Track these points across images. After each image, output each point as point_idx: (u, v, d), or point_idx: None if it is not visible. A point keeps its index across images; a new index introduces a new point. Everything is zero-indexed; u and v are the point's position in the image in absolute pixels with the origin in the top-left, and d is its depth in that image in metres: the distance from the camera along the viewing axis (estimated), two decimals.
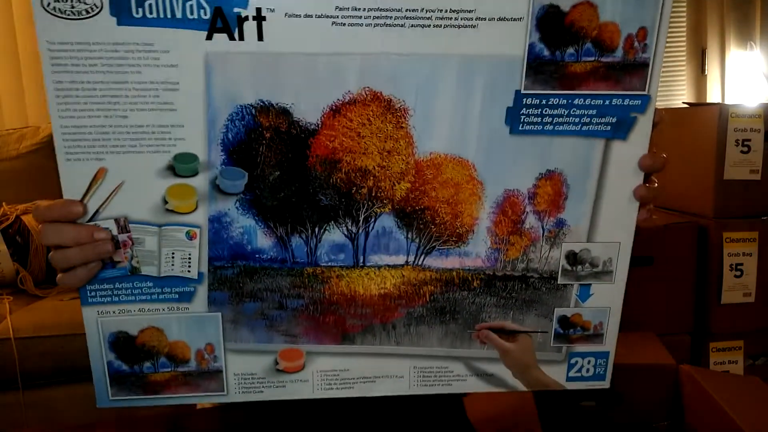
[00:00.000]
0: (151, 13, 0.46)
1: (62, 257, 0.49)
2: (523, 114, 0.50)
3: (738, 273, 1.43)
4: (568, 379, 0.59)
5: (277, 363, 0.56)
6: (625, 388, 1.26)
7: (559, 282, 0.56)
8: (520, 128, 0.50)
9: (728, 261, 1.42)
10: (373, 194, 0.52)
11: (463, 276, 0.55)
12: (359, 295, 0.55)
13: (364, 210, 0.53)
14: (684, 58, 2.56)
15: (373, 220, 0.53)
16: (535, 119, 0.50)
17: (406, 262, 0.54)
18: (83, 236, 0.49)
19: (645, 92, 0.50)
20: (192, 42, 0.47)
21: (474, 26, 0.47)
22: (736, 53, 2.46)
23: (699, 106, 1.76)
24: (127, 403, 0.56)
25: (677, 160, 1.49)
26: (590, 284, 0.56)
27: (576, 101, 0.50)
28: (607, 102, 0.50)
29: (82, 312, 0.53)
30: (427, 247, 0.54)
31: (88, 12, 0.45)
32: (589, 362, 0.59)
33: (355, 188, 0.52)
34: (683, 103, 2.45)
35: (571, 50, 0.48)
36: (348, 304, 0.55)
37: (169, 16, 0.46)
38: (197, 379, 0.56)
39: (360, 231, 0.53)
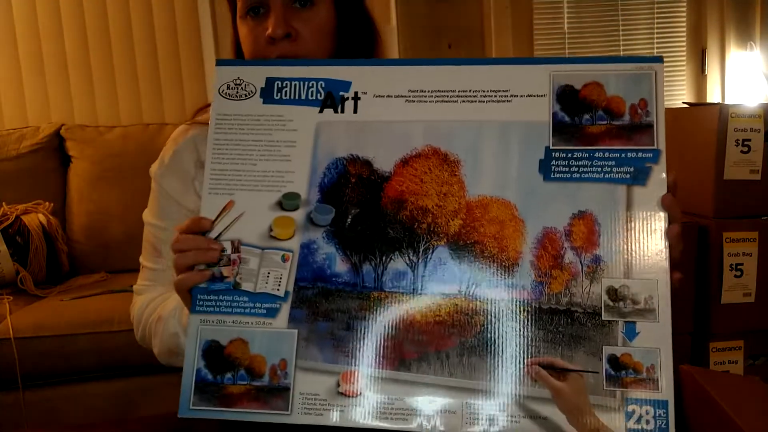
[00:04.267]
0: (285, 96, 0.68)
1: (181, 258, 0.64)
2: (553, 165, 0.62)
3: (738, 273, 1.45)
4: (628, 430, 0.57)
5: (338, 385, 0.61)
6: None
7: (603, 318, 0.59)
8: (551, 176, 0.62)
9: (728, 261, 1.43)
10: (432, 229, 0.64)
11: (511, 307, 0.61)
12: (416, 321, 0.62)
13: (423, 242, 0.63)
14: (684, 58, 2.53)
15: (431, 251, 0.63)
16: (564, 169, 0.62)
17: (459, 291, 0.62)
18: (201, 243, 0.64)
19: (654, 147, 0.61)
20: (309, 114, 0.67)
21: (509, 101, 0.64)
22: (736, 53, 2.46)
23: (699, 106, 1.77)
24: (204, 414, 0.62)
25: (677, 160, 1.48)
26: (635, 322, 0.59)
27: (597, 154, 0.62)
28: (623, 155, 0.62)
29: (188, 320, 0.64)
30: (478, 278, 0.62)
31: (246, 96, 0.68)
32: (647, 412, 0.57)
33: (417, 223, 0.64)
34: (683, 103, 2.40)
35: (587, 116, 0.63)
36: (406, 329, 0.62)
37: (296, 98, 0.68)
38: (266, 396, 0.62)
39: (419, 260, 0.63)
